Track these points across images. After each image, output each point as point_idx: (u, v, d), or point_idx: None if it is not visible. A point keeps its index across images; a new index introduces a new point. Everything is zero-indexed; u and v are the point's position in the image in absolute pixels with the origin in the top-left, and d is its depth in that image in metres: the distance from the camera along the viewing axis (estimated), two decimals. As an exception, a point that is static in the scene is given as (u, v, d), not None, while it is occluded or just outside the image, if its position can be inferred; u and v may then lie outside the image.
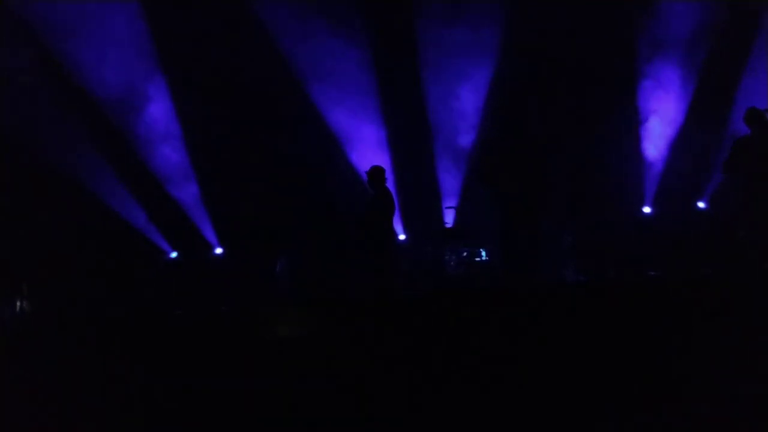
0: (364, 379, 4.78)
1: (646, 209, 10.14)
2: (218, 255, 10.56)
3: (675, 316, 5.15)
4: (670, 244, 9.13)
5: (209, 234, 10.56)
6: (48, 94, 9.55)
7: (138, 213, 10.29)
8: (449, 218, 10.17)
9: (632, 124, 10.24)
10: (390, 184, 8.39)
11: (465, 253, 9.82)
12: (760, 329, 4.53)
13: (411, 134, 10.66)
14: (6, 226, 8.78)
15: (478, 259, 9.81)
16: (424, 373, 4.81)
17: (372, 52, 10.25)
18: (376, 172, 8.24)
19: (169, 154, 10.32)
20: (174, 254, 10.56)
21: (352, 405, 4.46)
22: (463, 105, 10.40)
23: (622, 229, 9.67)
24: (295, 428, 4.33)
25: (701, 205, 9.87)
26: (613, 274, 9.17)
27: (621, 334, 4.97)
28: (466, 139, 10.50)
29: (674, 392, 4.17)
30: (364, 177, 8.48)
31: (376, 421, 4.28)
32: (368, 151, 10.27)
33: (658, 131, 10.19)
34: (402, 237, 10.41)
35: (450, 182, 10.55)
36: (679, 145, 10.16)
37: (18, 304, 8.72)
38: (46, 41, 9.49)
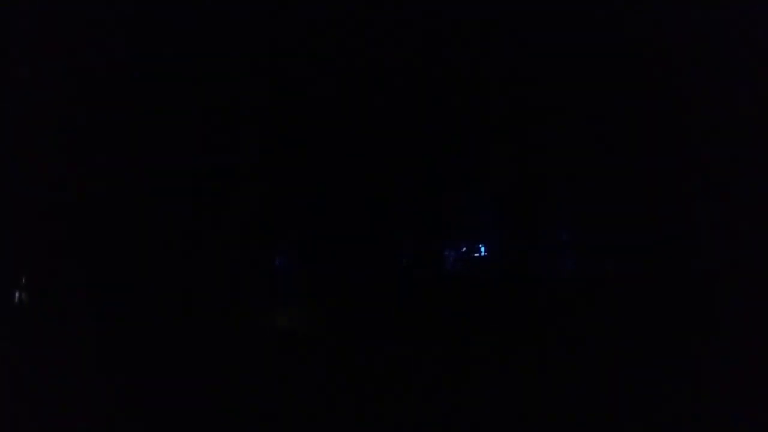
0: (364, 375, 4.80)
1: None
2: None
3: (674, 310, 5.17)
4: (670, 238, 9.14)
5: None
6: (43, 84, 9.56)
7: (135, 209, 10.28)
8: (448, 215, 10.19)
9: (632, 115, 10.23)
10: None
11: (464, 249, 9.85)
12: (760, 325, 4.55)
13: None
14: (4, 218, 8.79)
15: (476, 254, 9.84)
16: (425, 368, 4.83)
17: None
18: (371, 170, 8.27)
19: (167, 147, 10.30)
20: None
21: (352, 402, 4.48)
22: (460, 99, 10.38)
23: (621, 223, 9.68)
24: (295, 426, 4.34)
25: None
26: (612, 267, 9.17)
27: (620, 327, 5.00)
28: (463, 134, 10.48)
29: (673, 389, 4.19)
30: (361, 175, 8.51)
31: (376, 418, 4.30)
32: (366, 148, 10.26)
33: (656, 124, 10.19)
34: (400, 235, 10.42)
35: (448, 177, 10.52)
36: (676, 138, 10.15)
37: (17, 295, 8.74)
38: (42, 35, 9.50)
